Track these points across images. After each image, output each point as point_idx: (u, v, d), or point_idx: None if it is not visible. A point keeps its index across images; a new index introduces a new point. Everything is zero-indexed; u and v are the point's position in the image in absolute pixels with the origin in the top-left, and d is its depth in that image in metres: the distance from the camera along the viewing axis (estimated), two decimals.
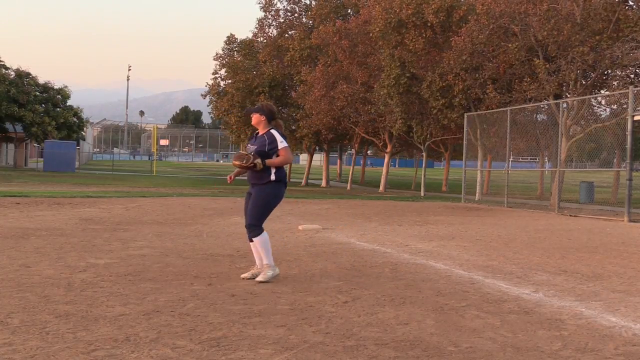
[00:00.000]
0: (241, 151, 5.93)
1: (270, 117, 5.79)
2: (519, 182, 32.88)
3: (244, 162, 5.53)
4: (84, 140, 59.39)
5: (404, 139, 29.97)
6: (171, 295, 4.93)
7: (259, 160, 5.51)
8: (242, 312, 4.41)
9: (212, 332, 3.89)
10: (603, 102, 21.06)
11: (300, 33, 32.00)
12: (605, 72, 19.69)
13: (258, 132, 5.83)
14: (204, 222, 10.98)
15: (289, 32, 34.59)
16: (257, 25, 35.63)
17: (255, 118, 5.78)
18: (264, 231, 5.65)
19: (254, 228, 5.59)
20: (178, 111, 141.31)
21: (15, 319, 4.07)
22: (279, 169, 5.69)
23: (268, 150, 5.59)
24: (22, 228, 9.24)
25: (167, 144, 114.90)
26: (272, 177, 5.60)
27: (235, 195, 21.07)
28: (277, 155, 5.63)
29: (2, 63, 42.21)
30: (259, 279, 5.58)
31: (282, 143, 5.62)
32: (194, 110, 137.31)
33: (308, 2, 35.48)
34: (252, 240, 5.66)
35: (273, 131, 5.72)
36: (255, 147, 5.62)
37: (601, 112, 21.98)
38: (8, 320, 4.03)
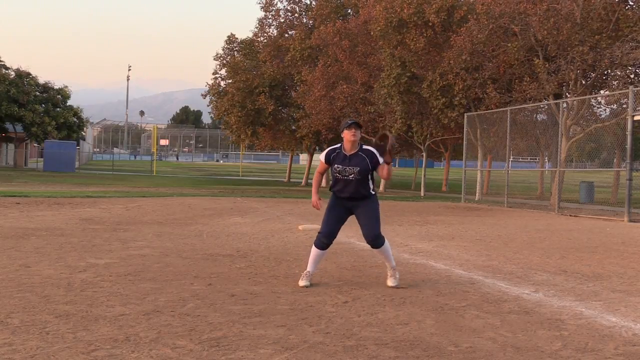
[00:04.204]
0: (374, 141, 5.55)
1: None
2: (519, 182, 32.86)
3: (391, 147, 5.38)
4: (84, 140, 59.38)
5: (403, 138, 29.97)
6: (171, 295, 4.93)
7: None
8: (242, 312, 4.41)
9: (212, 332, 3.89)
10: (603, 102, 21.06)
11: (301, 33, 31.98)
12: (605, 72, 19.68)
13: (341, 150, 5.49)
14: (204, 222, 10.97)
15: (289, 32, 34.58)
16: (257, 25, 35.62)
17: (359, 134, 5.47)
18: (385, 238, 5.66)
19: (381, 236, 5.59)
20: (178, 111, 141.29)
21: (15, 319, 4.07)
22: (373, 182, 5.64)
23: (372, 168, 5.48)
24: (22, 228, 9.24)
25: (167, 144, 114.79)
26: (372, 190, 5.60)
27: (235, 195, 21.07)
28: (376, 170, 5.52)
29: (2, 63, 42.22)
30: (394, 284, 5.59)
31: (380, 157, 5.48)
32: (194, 110, 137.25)
33: (308, 2, 35.48)
34: (379, 247, 5.61)
35: (369, 147, 5.52)
36: (358, 168, 5.41)
37: (601, 112, 21.98)
38: (8, 320, 4.03)
